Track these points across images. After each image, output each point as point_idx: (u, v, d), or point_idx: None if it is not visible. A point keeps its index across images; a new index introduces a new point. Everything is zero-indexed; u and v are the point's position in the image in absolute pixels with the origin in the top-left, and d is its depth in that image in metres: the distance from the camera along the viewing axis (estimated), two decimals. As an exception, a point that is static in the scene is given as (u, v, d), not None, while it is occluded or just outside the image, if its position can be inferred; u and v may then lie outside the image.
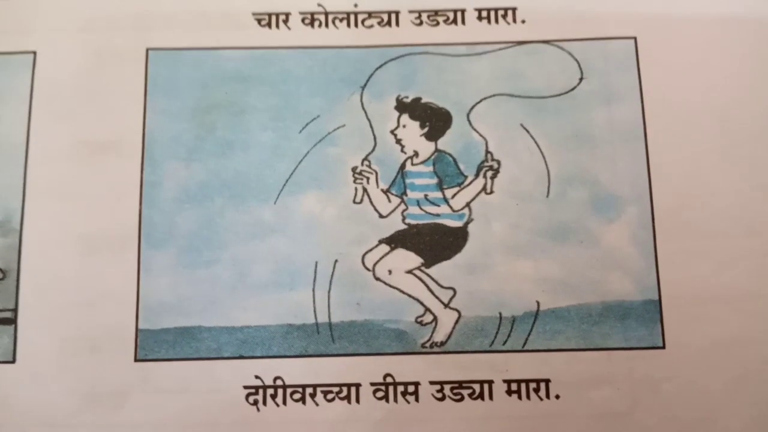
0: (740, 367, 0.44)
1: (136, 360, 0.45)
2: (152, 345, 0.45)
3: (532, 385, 0.44)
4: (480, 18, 0.49)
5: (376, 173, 0.47)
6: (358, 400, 0.44)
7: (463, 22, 0.49)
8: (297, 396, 0.44)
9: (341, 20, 0.49)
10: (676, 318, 0.44)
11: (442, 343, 0.45)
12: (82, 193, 0.46)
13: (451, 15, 0.49)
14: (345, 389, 0.44)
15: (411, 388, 0.44)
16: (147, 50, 0.48)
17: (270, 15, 0.49)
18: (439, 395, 0.44)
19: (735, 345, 0.44)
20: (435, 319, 0.45)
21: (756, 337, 0.44)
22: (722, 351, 0.44)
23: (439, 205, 0.47)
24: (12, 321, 0.45)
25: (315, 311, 0.45)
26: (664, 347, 0.44)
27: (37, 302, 0.45)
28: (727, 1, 0.49)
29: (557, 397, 0.44)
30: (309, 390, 0.44)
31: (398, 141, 0.47)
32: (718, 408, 0.43)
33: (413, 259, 0.46)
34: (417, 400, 0.44)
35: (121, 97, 0.48)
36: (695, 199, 0.46)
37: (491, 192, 0.46)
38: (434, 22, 0.49)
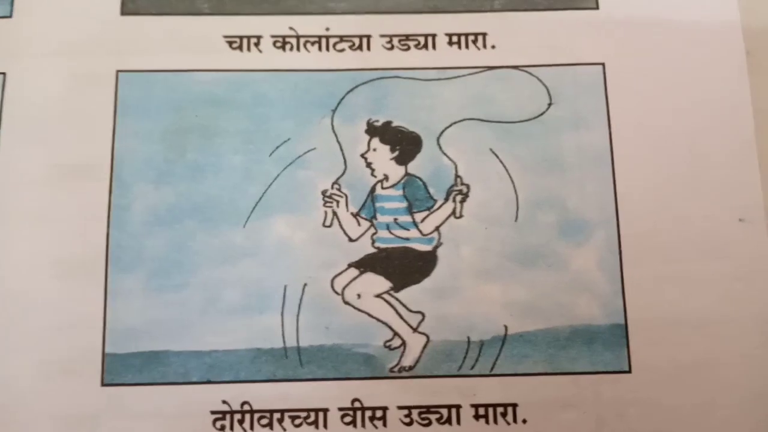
0: (706, 391, 0.44)
1: (102, 384, 0.44)
2: (119, 369, 0.44)
3: (500, 410, 0.44)
4: (451, 43, 0.49)
5: (346, 197, 0.47)
6: (326, 425, 0.44)
7: (434, 46, 0.49)
8: (264, 421, 0.44)
9: (313, 44, 0.49)
10: (642, 342, 0.45)
11: (411, 368, 0.45)
12: (53, 216, 0.46)
13: (422, 40, 0.49)
14: (313, 414, 0.44)
15: (379, 413, 0.44)
16: (117, 72, 0.48)
17: (241, 38, 0.49)
18: (407, 420, 0.44)
19: (701, 369, 0.44)
20: (403, 343, 0.45)
21: (722, 361, 0.44)
22: (688, 375, 0.44)
23: (408, 229, 0.47)
24: (-22, 345, 0.45)
25: (284, 335, 0.45)
26: (630, 371, 0.44)
27: (8, 325, 0.45)
28: (694, 28, 0.49)
29: (524, 421, 0.44)
30: (277, 415, 0.44)
31: (368, 164, 0.47)
32: (684, 431, 0.44)
33: (382, 283, 0.46)
34: (385, 425, 0.44)
35: (91, 119, 0.48)
36: (662, 224, 0.46)
37: (460, 216, 0.47)
38: (405, 47, 0.49)
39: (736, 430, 0.44)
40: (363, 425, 0.44)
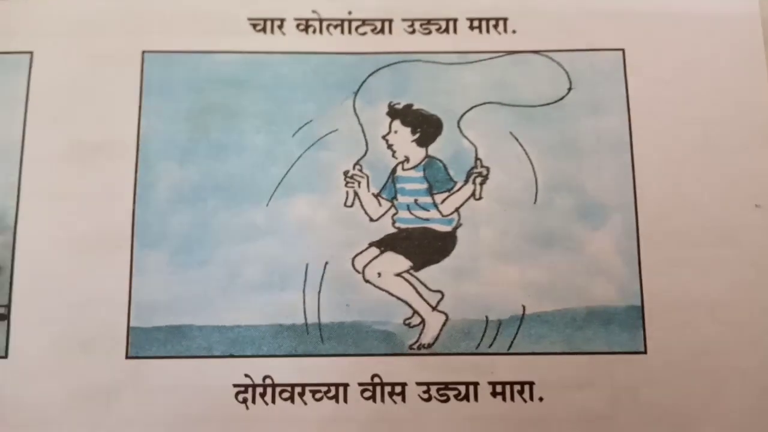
0: (719, 373, 0.45)
1: (127, 357, 0.45)
2: (143, 343, 0.45)
3: (517, 388, 0.45)
4: (472, 27, 0.50)
5: (368, 177, 0.48)
6: (345, 400, 0.45)
7: (455, 31, 0.50)
8: (286, 395, 0.45)
9: (335, 27, 0.50)
10: (657, 324, 0.45)
11: (430, 345, 0.46)
12: (77, 192, 0.47)
13: (443, 24, 0.50)
14: (333, 389, 0.45)
15: (398, 389, 0.45)
16: (143, 53, 0.49)
17: (265, 20, 0.50)
18: (426, 396, 0.45)
19: (715, 351, 0.45)
20: (423, 321, 0.46)
21: (735, 344, 0.45)
22: (702, 357, 0.45)
23: (428, 210, 0.47)
24: (5, 317, 0.46)
25: (305, 312, 0.46)
26: (645, 352, 0.45)
27: (30, 299, 0.46)
28: (713, 16, 0.50)
29: (541, 399, 0.45)
30: (298, 389, 0.45)
31: (389, 146, 0.48)
32: (697, 412, 0.44)
33: (402, 263, 0.47)
34: (404, 400, 0.45)
35: (116, 98, 0.48)
36: (679, 209, 0.47)
37: (480, 198, 0.47)
38: (427, 31, 0.50)
39: (748, 412, 0.44)
40: (382, 400, 0.45)
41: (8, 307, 0.46)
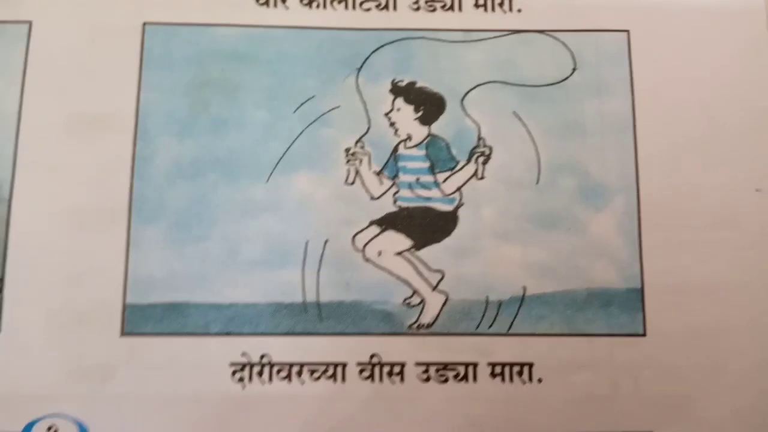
0: (718, 355, 0.45)
1: (122, 334, 0.45)
2: (139, 320, 0.45)
3: (516, 369, 0.45)
4: (477, 5, 0.49)
5: (369, 155, 0.47)
6: (344, 379, 0.45)
7: (460, 9, 0.49)
8: (283, 374, 0.45)
9: (339, 2, 0.49)
10: (657, 306, 0.45)
11: (429, 325, 0.45)
12: (74, 165, 0.46)
13: (448, 1, 0.49)
14: (331, 368, 0.45)
15: (397, 369, 0.45)
16: (143, 24, 0.48)
17: (268, -6, 0.49)
18: (425, 376, 0.45)
19: (713, 333, 0.45)
20: (423, 301, 0.46)
21: (734, 326, 0.45)
22: (701, 339, 0.45)
23: (430, 189, 0.47)
24: (-1, 291, 0.45)
25: (304, 290, 0.45)
26: (645, 334, 0.45)
27: (24, 273, 0.45)
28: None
29: (540, 380, 0.45)
30: (295, 368, 0.45)
31: (392, 124, 0.48)
32: (696, 393, 0.45)
33: (403, 242, 0.46)
34: (402, 380, 0.45)
35: (115, 70, 0.48)
36: (680, 192, 0.47)
37: (482, 177, 0.47)
38: (431, 8, 0.49)
39: (746, 393, 0.45)
40: (381, 380, 0.45)
41: (1, 281, 0.45)
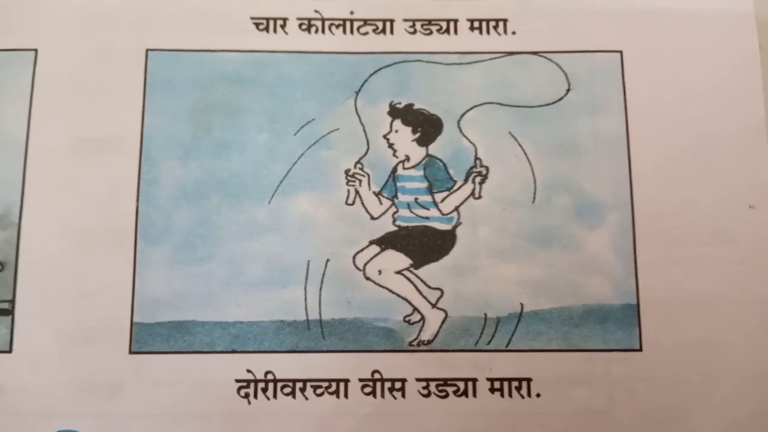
0: (713, 369, 0.46)
1: (130, 352, 0.46)
2: (147, 338, 0.46)
3: (515, 384, 0.46)
4: (472, 28, 0.50)
5: (369, 176, 0.48)
6: (346, 395, 0.46)
7: (456, 31, 0.50)
8: (287, 390, 0.46)
9: (337, 27, 0.51)
10: (653, 321, 0.46)
11: (429, 342, 0.46)
12: (81, 188, 0.48)
13: (444, 24, 0.50)
14: (334, 384, 0.46)
15: (398, 385, 0.46)
16: (147, 50, 0.49)
17: (268, 20, 0.51)
18: (425, 392, 0.46)
19: (709, 348, 0.46)
20: (422, 318, 0.47)
21: (728, 340, 0.46)
22: (696, 353, 0.46)
23: (428, 209, 0.48)
24: (9, 312, 0.46)
25: (306, 308, 0.46)
26: (641, 349, 0.46)
27: (34, 294, 0.46)
28: (709, 19, 0.50)
29: (538, 395, 0.46)
30: (299, 384, 0.46)
31: (390, 145, 0.49)
32: (691, 407, 0.45)
33: (402, 260, 0.47)
34: (403, 396, 0.46)
35: (120, 95, 0.49)
36: (674, 208, 0.48)
37: (479, 197, 0.48)
38: (428, 31, 0.50)
39: (741, 407, 0.45)
40: (382, 396, 0.46)
41: (12, 302, 0.46)
